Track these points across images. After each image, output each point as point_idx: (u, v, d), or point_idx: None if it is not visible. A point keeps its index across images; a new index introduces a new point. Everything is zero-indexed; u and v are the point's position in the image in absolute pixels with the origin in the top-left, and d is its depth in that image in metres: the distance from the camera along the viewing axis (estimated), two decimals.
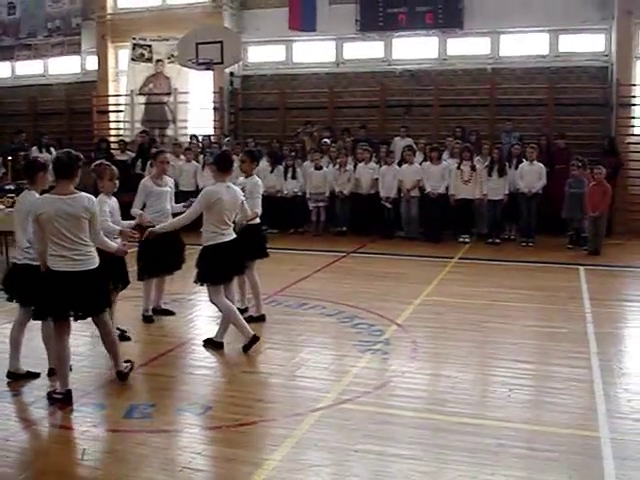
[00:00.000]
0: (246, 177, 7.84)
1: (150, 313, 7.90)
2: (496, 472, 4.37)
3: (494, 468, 4.42)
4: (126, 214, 7.30)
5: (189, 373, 6.31)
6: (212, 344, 6.90)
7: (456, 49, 16.16)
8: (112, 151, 16.47)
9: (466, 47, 16.08)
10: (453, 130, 14.92)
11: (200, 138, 16.35)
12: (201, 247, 6.80)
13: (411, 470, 4.40)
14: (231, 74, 17.30)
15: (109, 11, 18.41)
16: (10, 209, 10.32)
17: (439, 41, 16.20)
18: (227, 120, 17.51)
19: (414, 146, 14.41)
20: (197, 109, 17.79)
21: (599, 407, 5.38)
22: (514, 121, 14.81)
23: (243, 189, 7.30)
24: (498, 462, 4.50)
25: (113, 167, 6.88)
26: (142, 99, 17.92)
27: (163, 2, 18.04)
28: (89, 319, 5.66)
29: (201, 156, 15.28)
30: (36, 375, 6.03)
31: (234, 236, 6.82)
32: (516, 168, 13.27)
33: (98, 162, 6.95)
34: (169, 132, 17.73)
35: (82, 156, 5.59)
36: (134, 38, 17.71)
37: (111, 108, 18.72)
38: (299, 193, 14.67)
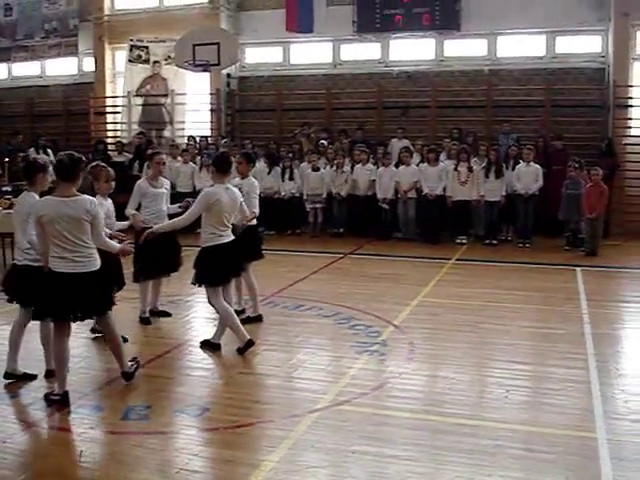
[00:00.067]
0: (242, 178, 7.83)
1: (147, 315, 7.89)
2: (493, 473, 4.37)
3: (491, 469, 4.42)
4: (122, 215, 7.30)
5: (186, 374, 6.30)
6: (209, 345, 6.90)
7: (453, 50, 16.18)
8: (109, 152, 16.46)
9: (463, 48, 16.11)
10: (450, 131, 14.95)
11: (197, 139, 16.38)
12: (199, 248, 6.80)
13: (408, 471, 4.39)
14: (228, 75, 17.30)
15: (106, 12, 18.41)
16: (7, 211, 10.32)
17: (436, 42, 16.21)
18: (224, 121, 17.51)
19: (411, 147, 14.43)
20: (194, 110, 17.78)
21: (596, 408, 5.38)
22: (511, 122, 14.83)
23: (240, 190, 7.30)
24: (495, 463, 4.50)
25: (109, 168, 6.88)
26: (139, 100, 17.93)
27: (160, 3, 18.04)
28: (87, 321, 5.66)
29: (198, 157, 15.29)
30: (33, 377, 6.02)
31: (232, 238, 6.82)
32: (513, 169, 13.29)
33: (94, 164, 6.96)
34: (166, 133, 17.73)
35: (84, 158, 5.60)
36: (131, 39, 17.71)
37: (108, 109, 18.71)
38: (296, 194, 14.67)
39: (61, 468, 4.51)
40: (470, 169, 13.34)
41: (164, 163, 7.99)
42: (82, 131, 18.44)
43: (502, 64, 15.81)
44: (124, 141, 17.09)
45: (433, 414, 5.32)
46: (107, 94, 18.61)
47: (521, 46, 15.79)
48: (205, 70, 16.45)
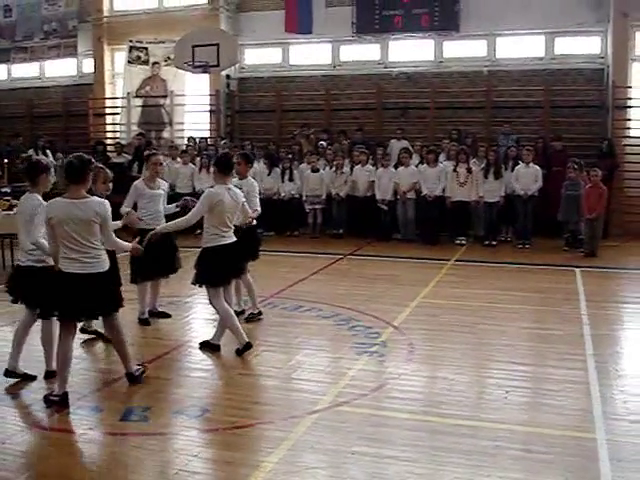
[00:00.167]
0: (240, 179, 7.82)
1: (146, 316, 7.89)
2: (492, 474, 4.37)
3: (490, 470, 4.42)
4: (117, 215, 7.30)
5: (185, 376, 6.31)
6: (209, 346, 6.90)
7: (452, 51, 16.20)
8: (108, 153, 16.45)
9: (462, 49, 16.13)
10: (449, 132, 14.96)
11: (197, 140, 16.39)
12: (201, 248, 6.80)
13: (407, 472, 4.40)
14: (227, 76, 17.31)
15: (105, 13, 18.42)
16: (7, 212, 10.33)
17: (435, 43, 16.23)
18: (223, 122, 17.52)
19: (410, 148, 14.44)
20: (193, 112, 17.77)
21: (595, 409, 5.38)
22: (510, 123, 14.84)
23: (240, 190, 7.30)
24: (494, 464, 4.50)
25: (106, 169, 6.88)
26: (138, 101, 17.93)
27: (159, 4, 18.05)
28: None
29: (198, 159, 15.30)
30: (33, 378, 6.03)
31: (234, 239, 6.82)
32: (512, 170, 13.30)
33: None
34: (165, 134, 17.74)
35: (93, 160, 5.62)
36: (130, 41, 17.72)
37: (107, 110, 18.72)
38: (296, 195, 14.68)
39: (61, 469, 4.50)
40: (469, 170, 13.35)
41: (161, 164, 7.98)
42: (81, 132, 18.45)
43: (501, 65, 15.83)
44: (123, 142, 17.09)
45: (432, 415, 5.33)
46: (106, 95, 18.62)
47: (520, 47, 15.81)
48: (204, 71, 16.46)
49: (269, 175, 14.71)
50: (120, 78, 18.48)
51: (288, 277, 10.28)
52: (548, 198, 13.21)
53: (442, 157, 14.11)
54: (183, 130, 17.69)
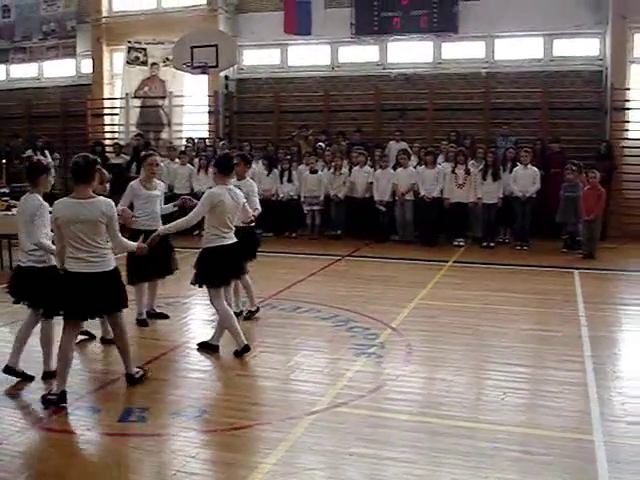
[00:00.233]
0: (238, 180, 7.82)
1: (144, 317, 7.88)
2: (490, 475, 4.37)
3: (488, 471, 4.42)
4: None
5: (183, 377, 6.31)
6: (207, 347, 6.89)
7: (451, 53, 16.21)
8: (107, 154, 16.44)
9: (461, 51, 16.14)
10: (448, 134, 14.95)
11: (195, 141, 16.39)
12: (201, 249, 6.79)
13: (406, 473, 4.40)
14: (226, 77, 17.31)
15: (104, 14, 18.41)
16: (5, 212, 10.32)
17: (434, 45, 16.24)
18: (222, 123, 17.51)
19: (409, 150, 14.43)
20: (192, 112, 17.77)
21: (593, 410, 5.39)
22: (509, 125, 14.84)
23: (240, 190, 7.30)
24: (492, 465, 4.50)
25: (103, 170, 6.88)
26: (137, 102, 17.91)
27: (158, 5, 18.04)
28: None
29: (196, 159, 15.31)
30: (31, 378, 6.03)
31: (235, 240, 6.82)
32: (510, 172, 13.30)
33: None
34: (164, 135, 17.72)
35: (99, 160, 5.63)
36: (129, 41, 17.71)
37: (106, 111, 18.69)
38: (294, 196, 14.68)
39: (59, 470, 4.50)
40: (467, 171, 13.36)
41: (157, 164, 7.95)
42: (80, 133, 18.42)
43: (500, 67, 15.84)
44: (122, 143, 17.07)
45: (430, 416, 5.33)
46: (105, 96, 18.59)
47: (519, 49, 15.82)
48: (203, 72, 16.46)
49: (268, 176, 14.71)
50: (119, 79, 18.46)
51: (286, 278, 10.28)
52: (546, 200, 13.22)
53: (440, 158, 14.11)
54: (182, 131, 17.68)
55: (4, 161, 13.87)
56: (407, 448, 4.77)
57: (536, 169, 13.18)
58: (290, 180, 14.69)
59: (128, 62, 17.81)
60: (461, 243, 13.45)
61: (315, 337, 7.54)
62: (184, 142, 16.77)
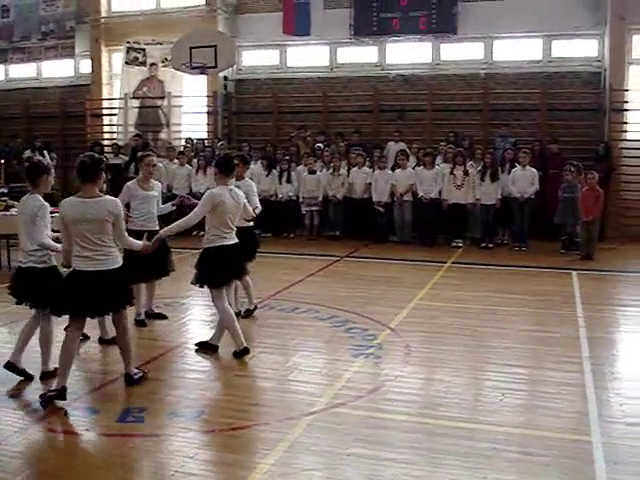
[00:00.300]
0: (237, 180, 7.81)
1: (142, 317, 7.88)
2: (489, 476, 4.37)
3: (487, 472, 4.42)
4: None
5: (181, 377, 6.30)
6: (207, 347, 6.89)
7: (449, 54, 16.23)
8: (105, 155, 16.42)
9: (459, 52, 16.15)
10: (446, 135, 14.95)
11: (194, 142, 16.39)
12: (202, 249, 6.79)
13: (404, 474, 4.40)
14: (225, 78, 17.31)
15: (103, 14, 18.44)
16: (3, 212, 10.31)
17: (432, 46, 16.25)
18: (221, 124, 17.52)
19: (407, 151, 14.44)
20: (191, 113, 17.77)
21: (591, 411, 5.39)
22: (508, 126, 14.85)
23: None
24: (491, 466, 4.50)
25: None
26: (136, 103, 17.92)
27: (157, 6, 18.05)
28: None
29: (195, 160, 15.31)
30: (31, 377, 6.03)
31: (236, 240, 6.82)
32: (509, 173, 13.31)
33: None
34: (163, 136, 17.72)
35: (105, 159, 5.65)
36: (128, 42, 17.72)
37: (105, 112, 18.71)
38: (293, 197, 14.69)
39: (57, 470, 4.50)
40: (466, 172, 13.37)
41: (154, 165, 7.94)
42: (78, 133, 18.44)
43: (498, 68, 15.86)
44: (120, 143, 17.09)
45: (429, 417, 5.33)
46: (104, 96, 18.61)
47: (517, 50, 15.85)
48: (202, 73, 16.46)
49: (267, 177, 14.72)
50: (117, 79, 18.48)
51: (285, 279, 10.28)
52: (545, 201, 13.24)
53: (439, 159, 14.13)
54: (180, 131, 17.69)
55: (2, 161, 13.85)
56: (405, 449, 4.77)
57: (534, 170, 13.20)
58: (289, 181, 14.70)
59: (127, 62, 17.83)
60: (459, 244, 13.46)
61: (313, 338, 7.54)
62: (183, 142, 16.78)
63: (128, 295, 5.81)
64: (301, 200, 14.58)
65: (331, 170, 14.41)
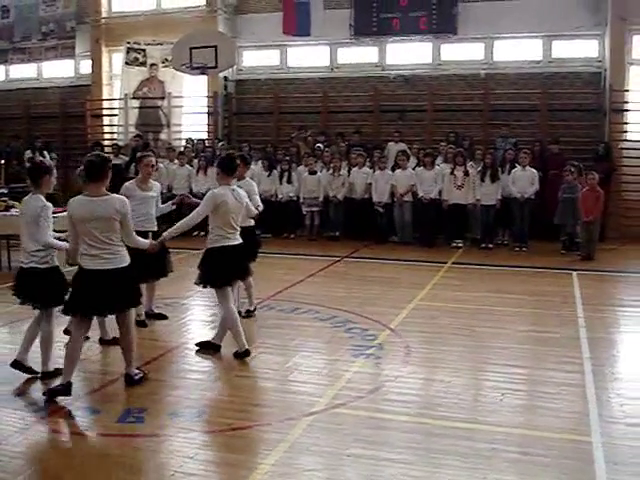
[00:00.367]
0: (238, 180, 7.81)
1: (143, 317, 7.87)
2: (488, 476, 4.37)
3: (486, 472, 4.42)
4: None
5: (182, 377, 6.30)
6: (209, 347, 6.88)
7: (450, 54, 16.23)
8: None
9: (460, 52, 16.16)
10: (447, 135, 14.94)
11: (194, 142, 16.39)
12: (205, 249, 6.79)
13: (404, 474, 4.40)
14: (225, 78, 17.31)
15: (103, 15, 18.44)
16: (4, 213, 10.31)
17: (433, 46, 16.25)
18: (221, 124, 17.52)
19: (408, 151, 14.44)
20: (191, 113, 17.77)
21: (591, 412, 5.39)
22: (508, 126, 14.85)
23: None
24: (490, 466, 4.50)
25: None
26: (136, 103, 17.92)
27: (157, 6, 18.06)
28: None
29: (195, 160, 15.31)
30: (36, 373, 6.06)
31: (240, 241, 6.82)
32: (509, 173, 13.31)
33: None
34: (163, 136, 17.72)
35: (111, 158, 5.66)
36: (128, 42, 17.72)
37: (105, 112, 18.71)
38: (293, 197, 14.69)
39: (57, 470, 4.50)
40: (466, 173, 13.37)
41: (153, 165, 7.92)
42: (79, 133, 18.44)
43: (499, 68, 15.86)
44: (121, 144, 17.08)
45: (429, 417, 5.33)
46: (104, 96, 18.61)
47: (518, 50, 15.85)
48: (202, 73, 16.47)
49: (268, 177, 14.73)
50: (118, 79, 18.47)
51: (285, 279, 10.28)
52: (545, 201, 13.24)
53: (439, 160, 14.13)
54: (181, 132, 17.69)
55: (3, 162, 13.85)
56: (405, 449, 4.77)
57: (535, 170, 13.20)
58: (289, 181, 14.70)
59: (127, 63, 17.83)
60: (460, 244, 13.46)
61: (314, 338, 7.54)
62: (183, 143, 16.79)
63: (136, 294, 5.83)
64: (301, 200, 14.59)
65: (331, 170, 14.41)
